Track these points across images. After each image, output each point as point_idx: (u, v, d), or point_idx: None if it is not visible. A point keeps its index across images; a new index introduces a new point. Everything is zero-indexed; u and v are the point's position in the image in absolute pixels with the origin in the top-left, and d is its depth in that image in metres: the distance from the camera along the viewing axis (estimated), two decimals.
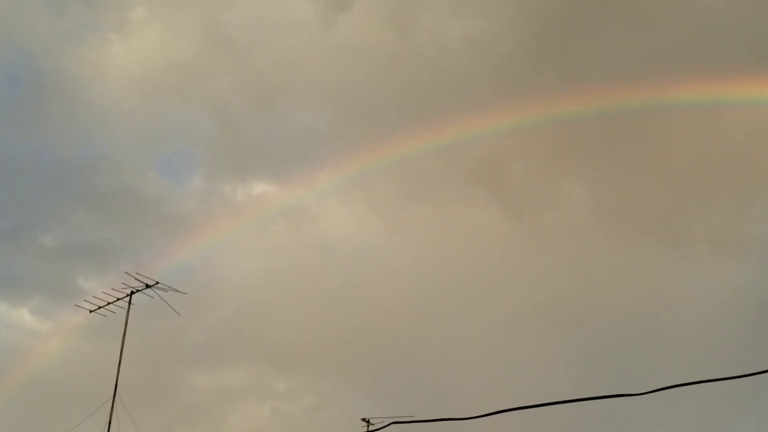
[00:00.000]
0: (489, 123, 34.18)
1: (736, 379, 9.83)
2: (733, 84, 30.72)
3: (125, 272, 18.53)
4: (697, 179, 38.62)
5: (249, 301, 38.60)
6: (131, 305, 18.58)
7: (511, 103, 35.90)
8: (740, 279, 35.42)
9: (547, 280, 38.33)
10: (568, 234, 40.02)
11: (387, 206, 41.67)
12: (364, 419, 18.67)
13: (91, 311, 18.89)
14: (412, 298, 37.82)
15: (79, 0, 41.14)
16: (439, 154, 37.11)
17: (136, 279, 18.46)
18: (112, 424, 17.38)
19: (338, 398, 34.53)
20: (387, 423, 14.77)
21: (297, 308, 37.72)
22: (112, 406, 17.53)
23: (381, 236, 40.60)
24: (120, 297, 18.63)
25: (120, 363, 17.92)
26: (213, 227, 38.26)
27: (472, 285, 38.24)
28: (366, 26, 39.38)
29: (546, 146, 39.39)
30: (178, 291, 18.59)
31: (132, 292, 18.57)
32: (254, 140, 42.66)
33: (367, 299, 37.62)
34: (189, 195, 43.24)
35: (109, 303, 18.72)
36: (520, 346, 35.73)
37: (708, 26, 35.84)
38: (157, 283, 18.54)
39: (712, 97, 31.47)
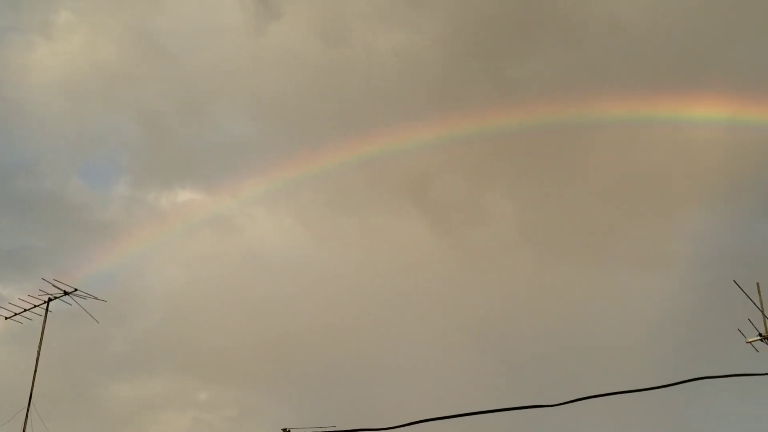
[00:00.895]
0: (418, 135, 34.36)
1: (654, 391, 9.94)
2: (655, 102, 31.44)
3: (43, 279, 18.10)
4: (621, 195, 39.32)
5: (172, 310, 38.14)
6: (49, 312, 18.12)
7: (440, 116, 36.19)
8: (661, 294, 36.13)
9: (473, 293, 38.58)
10: (495, 248, 40.37)
11: (314, 217, 41.57)
12: (284, 429, 18.43)
13: (6, 318, 18.37)
14: (337, 309, 37.73)
15: (4, 2, 40.28)
16: (367, 166, 37.14)
17: (54, 286, 18.03)
18: None
19: (260, 408, 34.22)
20: None
21: (221, 318, 37.36)
22: (27, 415, 17.05)
23: (307, 246, 40.44)
24: (37, 304, 18.15)
25: (36, 371, 17.45)
26: (137, 235, 37.74)
27: (399, 297, 38.32)
28: (296, 36, 39.33)
29: (474, 160, 39.73)
30: (97, 298, 18.21)
31: (49, 299, 18.11)
32: (181, 148, 42.24)
33: (292, 309, 37.44)
34: (113, 202, 42.60)
35: (25, 310, 18.21)
36: (445, 358, 35.88)
37: (632, 45, 36.57)
38: (76, 290, 18.13)
39: (635, 114, 32.13)
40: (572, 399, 8.89)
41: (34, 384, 17.32)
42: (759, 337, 14.26)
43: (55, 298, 18.07)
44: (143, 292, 38.46)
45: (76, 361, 32.24)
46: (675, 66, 35.58)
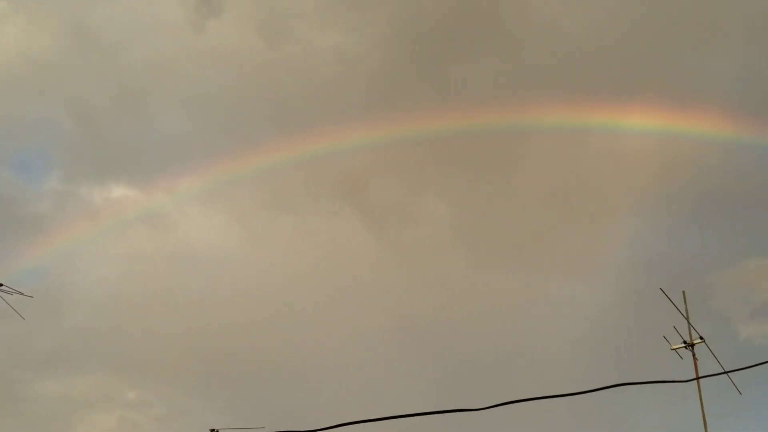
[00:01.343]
0: (356, 136, 34.27)
1: (579, 396, 9.98)
2: (591, 110, 31.80)
3: None
4: (555, 202, 39.72)
5: (103, 307, 37.51)
6: None
7: (379, 117, 36.14)
8: (591, 300, 36.62)
9: (407, 295, 38.66)
10: (430, 250, 40.50)
11: (249, 215, 41.25)
12: (212, 430, 18.20)
13: None
14: (270, 309, 37.48)
15: None
16: (304, 165, 36.98)
17: None
18: None
19: (189, 408, 33.85)
20: None
21: (152, 316, 36.85)
22: None
23: (242, 245, 40.13)
24: None
25: None
26: (68, 230, 37.00)
27: (333, 297, 38.21)
28: (236, 33, 38.97)
29: (412, 162, 39.81)
30: (22, 294, 17.68)
31: None
32: (115, 142, 41.48)
33: (225, 309, 37.06)
34: (44, 196, 41.74)
35: None
36: (377, 359, 35.88)
37: (571, 53, 36.98)
38: (1, 285, 17.70)
39: (571, 121, 32.45)
40: (498, 403, 8.90)
41: None
42: (683, 345, 14.51)
43: None
44: (73, 289, 37.84)
45: (0, 358, 31.55)
46: (612, 75, 36.10)
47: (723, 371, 11.79)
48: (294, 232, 40.72)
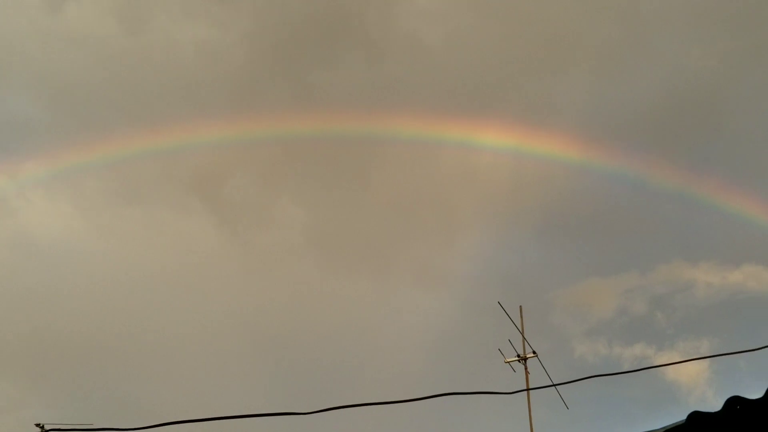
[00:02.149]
0: (213, 133, 33.75)
1: (412, 404, 10.05)
2: (447, 124, 32.38)
3: None
4: (407, 212, 40.28)
5: None
6: None
7: (237, 115, 35.68)
8: (435, 311, 37.27)
9: (254, 298, 38.29)
10: (281, 253, 40.29)
11: (96, 206, 39.89)
12: (38, 425, 17.48)
13: None
14: (112, 303, 36.38)
15: None
16: (157, 159, 36.05)
17: None
18: None
19: (16, 403, 32.36)
20: (64, 430, 13.93)
21: None
22: None
23: (86, 236, 38.74)
24: None
25: None
26: None
27: (178, 295, 37.43)
28: (94, 18, 37.62)
29: (268, 163, 39.51)
30: None
31: None
32: None
33: (61, 302, 35.72)
34: None
35: None
36: (216, 360, 35.38)
37: (432, 67, 37.54)
38: None
39: (428, 134, 32.92)
40: (325, 408, 8.87)
41: None
42: (516, 358, 14.93)
43: None
44: None
45: None
46: (470, 91, 36.84)
47: (552, 384, 12.14)
48: (141, 226, 39.71)
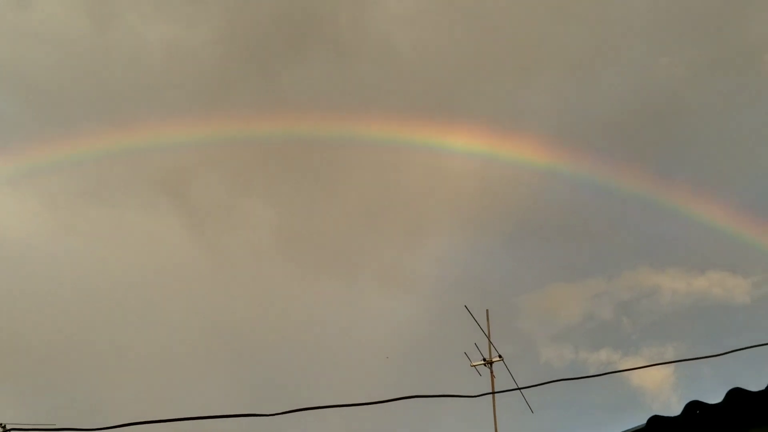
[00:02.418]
0: (181, 132, 33.51)
1: (376, 406, 10.08)
2: (418, 127, 32.44)
3: None
4: (377, 215, 40.32)
5: None
6: None
7: (207, 115, 35.51)
8: (403, 315, 37.30)
9: (222, 299, 38.16)
10: (248, 254, 40.16)
11: (63, 205, 39.54)
12: (0, 425, 17.31)
13: None
14: (75, 303, 36.07)
15: None
16: (125, 158, 35.78)
17: None
18: None
19: None
20: (25, 430, 13.82)
21: None
22: None
23: (52, 235, 38.33)
24: None
25: None
26: None
27: (143, 296, 37.17)
28: (63, 13, 37.31)
29: (236, 164, 39.34)
30: None
31: None
32: None
33: (25, 301, 35.30)
34: None
35: None
36: (180, 361, 35.14)
37: (403, 70, 37.66)
38: None
39: (398, 137, 32.95)
40: (290, 410, 8.88)
41: None
42: (482, 362, 14.99)
43: None
44: None
45: None
46: (441, 96, 37.00)
47: (517, 387, 12.22)
48: (108, 225, 39.38)
